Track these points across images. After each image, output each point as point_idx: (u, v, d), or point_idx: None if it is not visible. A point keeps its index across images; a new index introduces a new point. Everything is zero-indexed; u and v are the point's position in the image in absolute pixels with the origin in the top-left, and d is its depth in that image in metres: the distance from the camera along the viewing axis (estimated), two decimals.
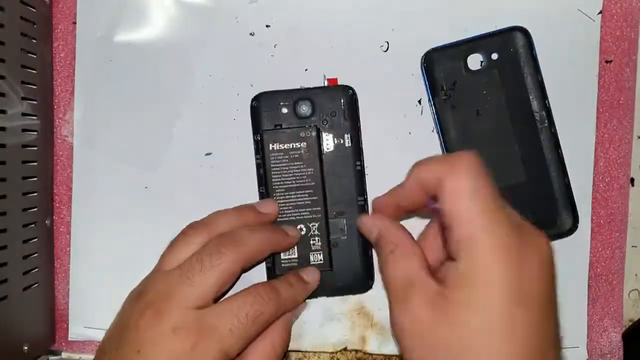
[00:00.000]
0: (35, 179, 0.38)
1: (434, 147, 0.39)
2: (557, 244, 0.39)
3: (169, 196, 0.40)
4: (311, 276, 0.37)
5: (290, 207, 0.38)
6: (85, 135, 0.40)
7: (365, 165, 0.40)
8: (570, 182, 0.39)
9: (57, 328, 0.41)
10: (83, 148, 0.40)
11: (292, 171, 0.38)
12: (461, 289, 0.27)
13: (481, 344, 0.26)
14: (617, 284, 0.40)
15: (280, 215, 0.38)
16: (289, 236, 0.37)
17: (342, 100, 0.39)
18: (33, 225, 0.38)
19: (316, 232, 0.38)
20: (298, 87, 0.40)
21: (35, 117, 0.38)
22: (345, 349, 0.40)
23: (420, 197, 0.31)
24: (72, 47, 0.40)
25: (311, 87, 0.39)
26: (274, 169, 0.38)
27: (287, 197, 0.38)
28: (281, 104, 0.39)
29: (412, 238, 0.32)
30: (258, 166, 0.38)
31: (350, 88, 0.39)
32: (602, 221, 0.40)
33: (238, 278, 0.34)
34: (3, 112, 0.35)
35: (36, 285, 0.38)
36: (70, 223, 0.40)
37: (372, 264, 0.39)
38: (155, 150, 0.40)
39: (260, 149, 0.38)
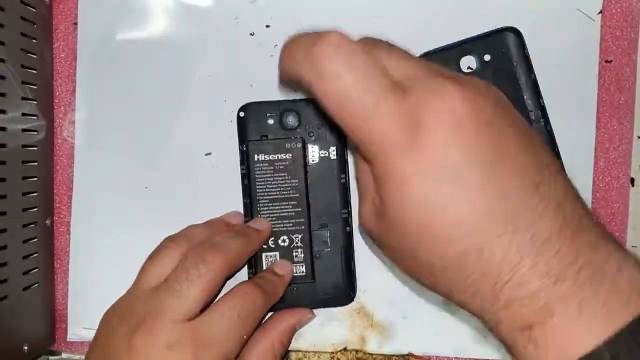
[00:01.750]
0: (36, 178, 0.38)
1: None
2: None
3: (169, 196, 0.40)
4: (283, 268, 0.37)
5: (274, 218, 0.38)
6: (85, 136, 0.40)
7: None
8: (570, 182, 0.39)
9: (57, 328, 0.41)
10: (83, 148, 0.40)
11: (276, 182, 0.38)
12: (381, 194, 0.25)
13: (423, 239, 0.24)
14: None
15: None
16: (261, 231, 0.37)
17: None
18: (33, 225, 0.38)
19: (299, 244, 0.38)
20: (294, 89, 0.40)
21: (35, 117, 0.39)
22: (345, 349, 0.40)
23: None
24: (73, 48, 0.40)
25: (297, 98, 0.39)
26: (258, 179, 0.38)
27: (271, 208, 0.38)
28: (268, 114, 0.39)
29: None
30: (243, 177, 0.38)
31: None
32: (602, 221, 0.40)
33: (223, 286, 0.34)
34: (3, 112, 0.35)
35: (36, 285, 0.38)
36: (69, 223, 0.41)
37: (354, 276, 0.39)
38: (156, 150, 0.40)
39: (245, 159, 0.38)
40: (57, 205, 0.41)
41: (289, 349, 0.40)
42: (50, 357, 0.41)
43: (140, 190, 0.40)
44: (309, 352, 0.40)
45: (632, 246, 0.41)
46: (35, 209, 0.38)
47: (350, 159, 0.39)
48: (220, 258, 0.33)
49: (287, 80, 0.27)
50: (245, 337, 0.33)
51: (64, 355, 0.41)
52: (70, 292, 0.41)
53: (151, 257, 0.34)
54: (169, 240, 0.35)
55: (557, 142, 0.38)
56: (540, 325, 0.23)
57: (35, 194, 0.38)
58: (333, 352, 0.40)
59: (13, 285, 0.36)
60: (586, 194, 0.40)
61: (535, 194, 0.24)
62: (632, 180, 0.41)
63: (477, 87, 0.25)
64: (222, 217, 0.39)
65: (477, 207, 0.23)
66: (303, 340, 0.40)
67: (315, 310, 0.39)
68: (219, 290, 0.34)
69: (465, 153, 0.23)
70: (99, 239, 0.40)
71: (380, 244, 0.28)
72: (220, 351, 0.31)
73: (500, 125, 0.24)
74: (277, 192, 0.38)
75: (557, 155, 0.38)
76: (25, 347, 0.37)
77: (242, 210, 0.39)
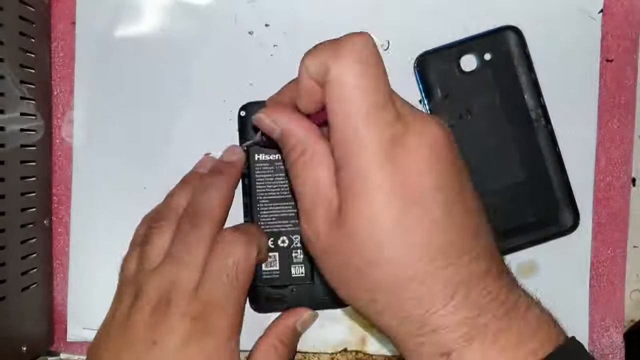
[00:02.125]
0: (34, 179, 0.38)
1: None
2: (558, 244, 0.39)
3: None
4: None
5: (274, 219, 0.38)
6: (84, 135, 0.40)
7: None
8: (571, 181, 0.39)
9: (55, 329, 0.41)
10: (82, 148, 0.40)
11: (277, 182, 0.38)
12: (347, 200, 0.25)
13: (380, 254, 0.25)
14: (619, 284, 0.40)
15: (263, 227, 0.38)
16: (234, 162, 0.37)
17: None
18: (31, 225, 0.38)
19: (299, 245, 0.38)
20: None
21: (34, 117, 0.38)
22: (345, 350, 0.40)
23: (317, 94, 0.27)
24: (71, 47, 0.40)
25: None
26: (258, 179, 0.38)
27: (270, 208, 0.38)
28: None
29: (321, 137, 0.28)
30: (243, 176, 0.38)
31: None
32: (603, 221, 0.40)
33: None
34: (1, 112, 0.35)
35: (35, 285, 0.38)
36: (68, 223, 0.40)
37: None
38: (154, 151, 0.40)
39: (246, 158, 0.38)
40: (56, 205, 0.41)
41: None
42: (49, 358, 0.41)
43: (140, 191, 0.40)
44: (309, 353, 0.40)
45: (634, 246, 0.41)
46: (34, 209, 0.38)
47: None
48: (209, 217, 0.34)
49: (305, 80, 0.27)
50: (243, 284, 0.33)
51: (62, 356, 0.41)
52: (70, 292, 0.40)
53: (146, 241, 0.35)
54: (156, 220, 0.35)
55: (557, 141, 0.38)
56: (458, 351, 0.25)
57: (34, 194, 0.38)
58: (333, 353, 0.40)
59: (11, 286, 0.36)
60: (587, 194, 0.40)
61: (475, 237, 0.26)
62: (634, 180, 0.41)
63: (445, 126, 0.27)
64: (195, 168, 0.39)
65: (434, 237, 0.25)
66: (303, 341, 0.39)
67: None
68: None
69: (436, 184, 0.25)
70: (99, 239, 0.40)
71: (325, 256, 0.28)
72: (227, 312, 0.32)
73: (461, 168, 0.27)
74: (277, 193, 0.38)
75: (558, 155, 0.38)
76: (24, 348, 0.37)
77: (242, 211, 0.39)
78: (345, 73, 0.25)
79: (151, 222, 0.36)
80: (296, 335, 0.37)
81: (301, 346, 0.40)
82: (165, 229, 0.34)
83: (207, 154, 0.40)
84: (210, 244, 0.33)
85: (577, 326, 0.40)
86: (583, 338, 0.40)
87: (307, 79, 0.27)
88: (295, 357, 0.40)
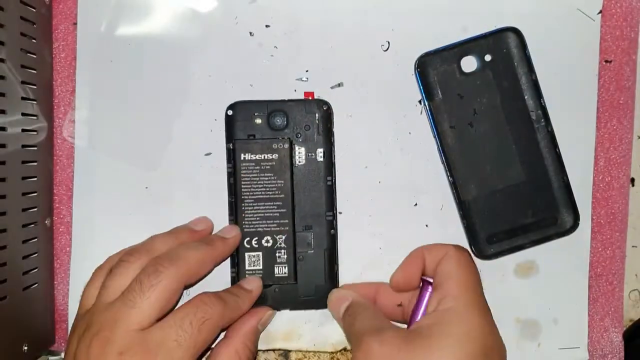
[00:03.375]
0: (35, 179, 0.38)
1: (433, 147, 0.39)
2: (557, 244, 0.39)
3: (169, 196, 0.40)
4: (252, 284, 0.37)
5: (258, 218, 0.38)
6: (85, 136, 0.40)
7: (365, 166, 0.40)
8: (571, 181, 0.39)
9: (56, 328, 0.41)
10: (83, 148, 0.40)
11: (262, 182, 0.38)
12: (431, 336, 0.30)
13: None
14: (618, 284, 0.40)
15: (247, 226, 0.38)
16: (227, 240, 0.37)
17: (316, 115, 0.39)
18: (33, 225, 0.38)
19: (282, 245, 0.38)
20: (294, 89, 0.40)
21: (35, 117, 0.39)
22: (345, 349, 0.40)
23: (417, 275, 0.35)
24: (73, 48, 0.40)
25: (286, 99, 0.39)
26: (244, 179, 0.38)
27: (255, 207, 0.38)
28: (255, 114, 0.39)
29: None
30: (229, 175, 0.38)
31: (326, 103, 0.39)
32: (602, 221, 0.40)
33: (181, 296, 0.34)
34: (3, 112, 0.35)
35: (36, 285, 0.38)
36: (69, 223, 0.40)
37: (337, 280, 0.39)
38: (155, 150, 0.40)
39: (232, 158, 0.38)
40: (57, 205, 0.41)
41: (290, 348, 0.40)
42: (50, 357, 0.41)
43: (141, 190, 0.40)
44: (309, 352, 0.40)
45: (633, 246, 0.41)
46: (35, 209, 0.38)
47: (337, 162, 0.39)
48: (175, 269, 0.33)
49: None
50: (198, 346, 0.32)
51: (63, 355, 0.41)
52: (70, 291, 0.40)
53: (111, 272, 0.35)
54: (129, 254, 0.35)
55: (557, 142, 0.39)
56: None
57: (35, 194, 0.38)
58: (333, 352, 0.40)
59: (13, 286, 0.36)
60: (586, 194, 0.40)
61: None
62: (632, 180, 0.41)
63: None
64: (189, 223, 0.39)
65: None
66: (303, 340, 0.40)
67: (315, 310, 0.39)
68: (177, 299, 0.34)
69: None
70: (100, 239, 0.40)
71: None
72: (170, 358, 0.31)
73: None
74: (263, 192, 0.38)
75: (558, 155, 0.38)
76: (25, 347, 0.37)
77: (227, 210, 0.39)
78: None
79: (123, 255, 0.35)
80: (257, 335, 0.37)
81: (301, 345, 0.40)
82: (133, 266, 0.34)
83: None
84: (161, 295, 0.32)
85: (577, 326, 0.40)
86: (583, 339, 0.40)
87: (416, 264, 0.35)
88: (296, 357, 0.40)
